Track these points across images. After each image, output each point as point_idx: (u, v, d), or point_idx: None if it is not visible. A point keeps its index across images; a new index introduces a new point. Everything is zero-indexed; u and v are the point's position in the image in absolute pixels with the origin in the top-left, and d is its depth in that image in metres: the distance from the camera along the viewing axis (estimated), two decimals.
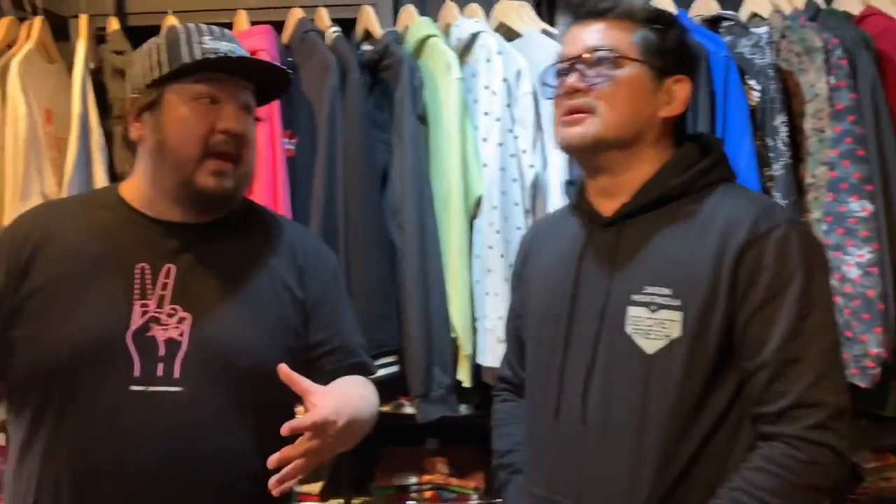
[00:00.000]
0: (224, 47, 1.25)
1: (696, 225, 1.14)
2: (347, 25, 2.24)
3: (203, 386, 1.19)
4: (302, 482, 2.22)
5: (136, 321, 1.19)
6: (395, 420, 2.15)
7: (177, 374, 1.18)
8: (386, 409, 2.17)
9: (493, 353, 1.96)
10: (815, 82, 1.95)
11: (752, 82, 2.02)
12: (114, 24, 2.21)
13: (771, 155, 1.98)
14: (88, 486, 1.16)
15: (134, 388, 1.17)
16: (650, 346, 1.11)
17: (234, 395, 1.21)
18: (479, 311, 2.00)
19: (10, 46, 2.18)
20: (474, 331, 2.00)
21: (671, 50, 1.19)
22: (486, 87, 2.01)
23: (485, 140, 2.00)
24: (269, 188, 2.03)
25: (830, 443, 1.06)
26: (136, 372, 1.17)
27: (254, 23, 2.21)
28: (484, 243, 1.98)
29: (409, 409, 2.14)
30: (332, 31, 2.15)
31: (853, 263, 1.88)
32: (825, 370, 1.08)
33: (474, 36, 2.06)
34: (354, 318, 1.45)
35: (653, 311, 1.11)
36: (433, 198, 2.00)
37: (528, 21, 2.18)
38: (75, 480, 1.16)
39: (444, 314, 1.98)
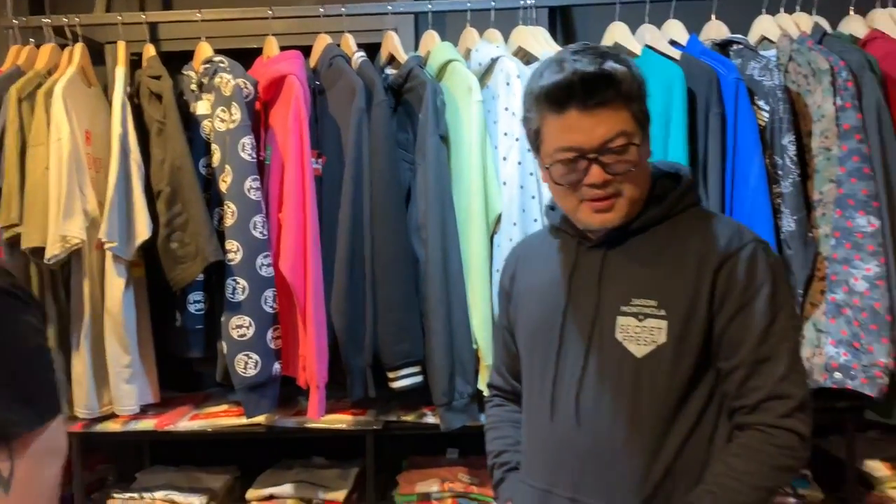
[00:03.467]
0: None
1: (674, 245, 1.30)
2: (372, 49, 2.35)
3: None
4: (327, 490, 2.30)
5: None
6: (417, 430, 2.23)
7: None
8: (409, 418, 2.25)
9: None
10: (822, 103, 2.03)
11: (760, 103, 2.10)
12: (150, 51, 2.31)
13: (780, 173, 2.06)
14: None
15: None
16: (639, 350, 1.25)
17: None
18: None
19: (50, 72, 2.29)
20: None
21: (646, 104, 1.30)
22: (506, 109, 2.10)
23: (504, 159, 2.09)
24: (298, 207, 2.12)
25: (798, 429, 1.22)
26: None
27: (282, 48, 2.31)
28: (503, 258, 2.06)
29: (431, 419, 2.22)
30: (358, 56, 2.25)
31: (860, 277, 1.95)
32: (792, 366, 1.24)
33: (494, 60, 2.15)
34: None
35: (640, 320, 1.26)
36: (455, 215, 2.09)
37: (544, 45, 2.27)
38: None
39: (466, 326, 2.06)
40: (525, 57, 2.29)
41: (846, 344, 1.96)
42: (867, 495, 2.23)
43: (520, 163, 2.06)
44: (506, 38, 2.31)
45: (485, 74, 2.18)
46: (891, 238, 1.98)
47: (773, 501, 1.22)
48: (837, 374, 1.97)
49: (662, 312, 1.25)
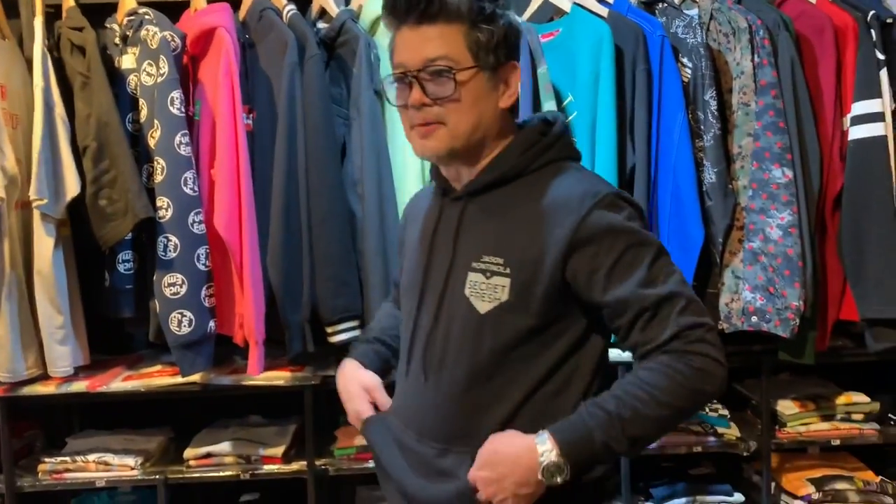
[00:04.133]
0: None
1: (529, 202, 1.24)
2: (302, 3, 2.32)
3: None
4: (266, 446, 2.31)
5: None
6: None
7: None
8: None
9: None
10: (740, 60, 2.13)
11: (684, 60, 2.19)
12: (69, 2, 2.22)
13: (702, 127, 2.15)
14: None
15: None
16: (483, 307, 1.24)
17: None
18: None
19: None
20: None
21: (500, 42, 1.23)
22: None
23: None
24: (231, 163, 2.10)
25: (713, 354, 1.16)
26: None
27: (210, 1, 2.26)
28: None
29: None
30: (289, 9, 2.22)
31: (775, 225, 2.07)
32: (687, 297, 1.18)
33: None
34: None
35: (488, 277, 1.24)
36: (391, 169, 2.11)
37: None
38: None
39: None
40: None
41: (762, 289, 2.08)
42: (778, 432, 2.38)
43: None
44: None
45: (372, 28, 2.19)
46: (803, 189, 2.11)
47: (677, 424, 1.22)
48: (754, 318, 2.09)
49: (507, 270, 1.22)
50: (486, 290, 1.23)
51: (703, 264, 2.15)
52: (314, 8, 2.31)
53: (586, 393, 1.24)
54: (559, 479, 1.14)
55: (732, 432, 2.38)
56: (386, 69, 2.12)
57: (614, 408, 1.14)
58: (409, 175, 2.09)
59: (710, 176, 2.13)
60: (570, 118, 2.23)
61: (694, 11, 2.25)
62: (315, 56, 2.10)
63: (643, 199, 2.15)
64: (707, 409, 2.40)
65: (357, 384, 1.43)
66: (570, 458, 1.14)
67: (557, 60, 2.22)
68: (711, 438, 2.35)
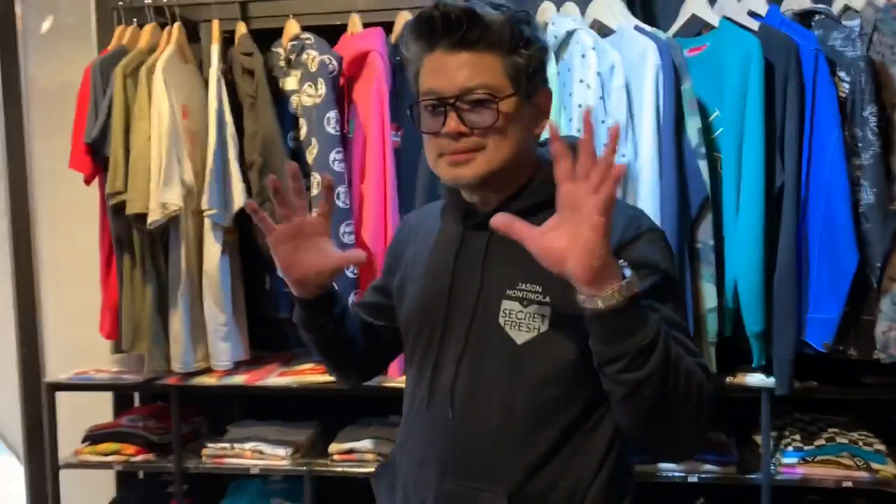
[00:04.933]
0: None
1: None
2: None
3: None
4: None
5: None
6: None
7: None
8: None
9: None
10: None
11: (842, 74, 2.07)
12: (242, 29, 2.45)
13: (860, 145, 2.04)
14: None
15: None
16: (520, 337, 1.17)
17: None
18: None
19: (152, 50, 2.45)
20: None
21: (537, 68, 1.19)
22: (581, 81, 2.14)
23: (578, 131, 2.13)
24: (378, 176, 2.23)
25: (707, 369, 1.11)
26: None
27: (366, 25, 2.41)
28: None
29: None
30: None
31: None
32: (692, 346, 1.13)
33: (570, 33, 2.19)
34: None
35: (525, 305, 1.17)
36: None
37: (620, 17, 2.29)
38: None
39: None
40: (601, 29, 2.31)
41: None
42: None
43: None
44: (582, 12, 2.34)
45: (560, 47, 2.22)
46: None
47: (674, 402, 1.05)
48: None
49: (546, 299, 1.15)
50: (524, 319, 1.17)
51: (857, 286, 2.03)
52: None
53: (619, 428, 1.17)
54: (615, 298, 1.00)
55: (889, 469, 2.22)
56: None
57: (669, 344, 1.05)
58: None
59: (867, 196, 2.01)
60: (716, 133, 2.19)
61: (855, 22, 2.13)
62: None
63: (792, 220, 2.06)
64: (861, 443, 2.26)
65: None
66: (630, 305, 1.02)
67: (704, 75, 2.18)
68: (864, 474, 2.21)
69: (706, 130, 2.19)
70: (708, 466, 2.28)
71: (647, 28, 2.22)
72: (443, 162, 1.18)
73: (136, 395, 2.88)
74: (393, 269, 1.40)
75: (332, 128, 2.24)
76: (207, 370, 2.46)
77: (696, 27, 2.35)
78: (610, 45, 2.18)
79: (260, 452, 2.47)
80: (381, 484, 1.37)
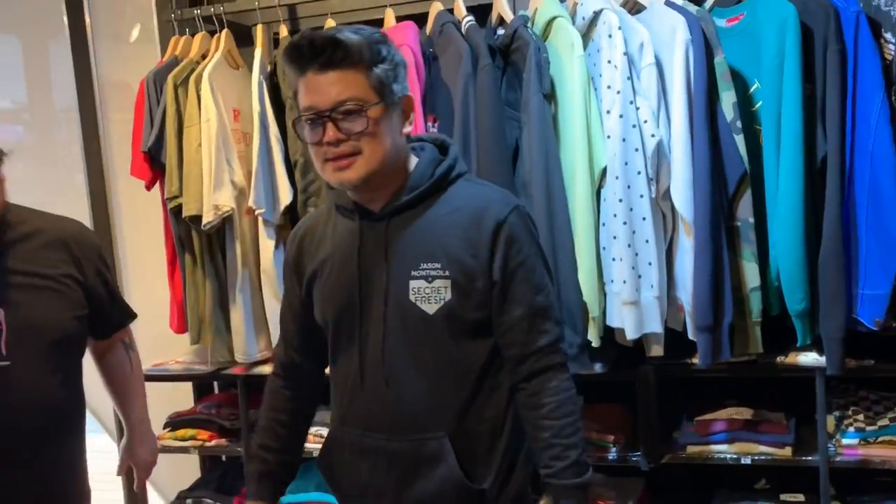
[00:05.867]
0: None
1: (452, 211, 1.43)
2: (485, 10, 2.42)
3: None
4: None
5: None
6: None
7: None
8: None
9: (619, 315, 2.09)
10: None
11: (888, 35, 1.96)
12: (283, 32, 2.54)
13: None
14: None
15: None
16: (431, 308, 1.40)
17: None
18: (607, 276, 2.13)
19: (204, 57, 2.58)
20: (604, 294, 2.14)
21: (397, 78, 1.40)
22: (609, 62, 2.10)
23: (608, 113, 2.10)
24: None
25: (566, 371, 1.46)
26: None
27: (399, 18, 2.45)
28: (609, 212, 2.10)
29: None
30: (467, 21, 2.33)
31: None
32: (557, 311, 1.49)
33: (597, 13, 2.15)
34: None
35: (430, 281, 1.40)
36: (561, 170, 2.14)
37: None
38: None
39: (574, 279, 2.13)
40: (635, 7, 2.26)
41: None
42: None
43: (621, 116, 2.06)
44: None
45: (589, 27, 2.19)
46: None
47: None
48: None
49: (446, 273, 1.39)
50: (431, 293, 1.40)
51: None
52: (493, 16, 2.40)
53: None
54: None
55: None
56: (558, 71, 2.17)
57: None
58: (578, 175, 2.10)
59: None
60: (756, 106, 2.11)
61: None
62: (487, 66, 2.19)
63: (836, 192, 1.97)
64: None
65: None
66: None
67: (742, 46, 2.10)
68: None
69: (747, 103, 2.12)
70: (762, 448, 2.23)
71: (678, 2, 2.15)
72: (328, 167, 1.39)
73: (216, 384, 3.07)
74: (300, 279, 1.56)
75: None
76: (271, 359, 2.58)
77: None
78: (639, 23, 2.13)
79: (320, 436, 2.58)
80: (322, 464, 1.59)
